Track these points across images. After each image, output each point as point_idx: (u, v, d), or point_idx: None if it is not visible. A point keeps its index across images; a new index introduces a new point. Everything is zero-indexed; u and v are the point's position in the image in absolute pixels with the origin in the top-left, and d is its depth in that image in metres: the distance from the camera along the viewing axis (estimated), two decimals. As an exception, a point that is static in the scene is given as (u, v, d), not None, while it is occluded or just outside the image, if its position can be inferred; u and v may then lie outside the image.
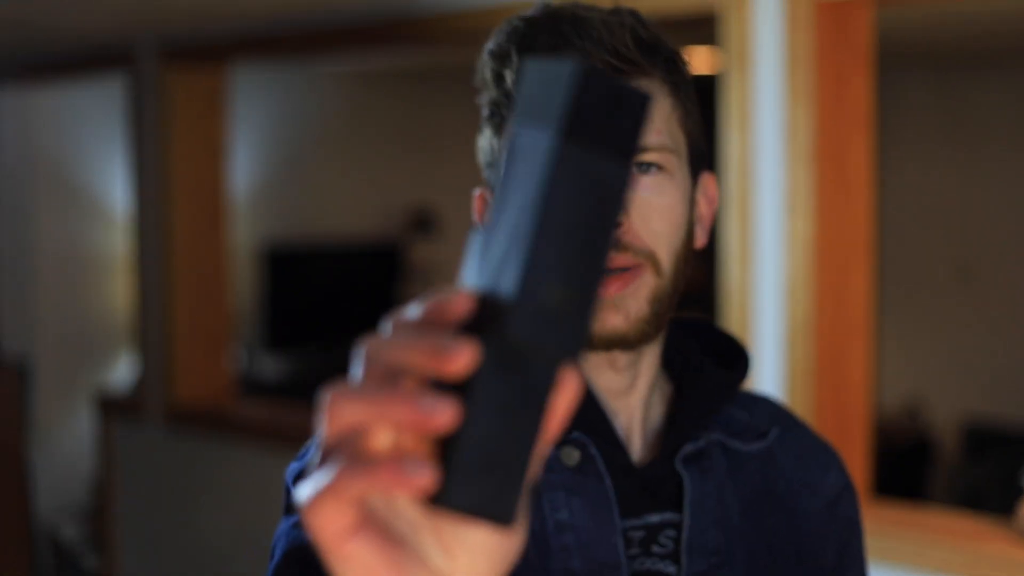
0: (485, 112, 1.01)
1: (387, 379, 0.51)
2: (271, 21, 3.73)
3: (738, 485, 1.01)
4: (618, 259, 0.94)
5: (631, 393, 1.01)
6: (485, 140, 1.02)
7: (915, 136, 6.11)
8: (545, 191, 0.50)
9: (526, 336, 0.50)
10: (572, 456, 0.96)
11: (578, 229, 0.51)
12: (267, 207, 6.11)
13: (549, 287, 0.50)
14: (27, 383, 4.74)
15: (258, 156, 6.04)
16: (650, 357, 1.02)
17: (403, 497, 0.53)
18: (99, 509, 4.61)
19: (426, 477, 0.49)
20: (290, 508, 0.93)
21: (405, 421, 0.49)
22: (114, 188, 5.43)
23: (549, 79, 0.52)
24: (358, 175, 6.50)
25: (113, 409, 4.39)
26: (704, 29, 2.83)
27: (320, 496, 0.50)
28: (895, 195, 5.83)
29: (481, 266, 0.53)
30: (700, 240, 1.02)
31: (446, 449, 0.50)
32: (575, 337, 0.51)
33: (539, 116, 0.52)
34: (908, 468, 5.64)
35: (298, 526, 0.88)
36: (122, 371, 5.49)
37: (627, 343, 0.97)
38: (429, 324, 0.52)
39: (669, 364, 1.05)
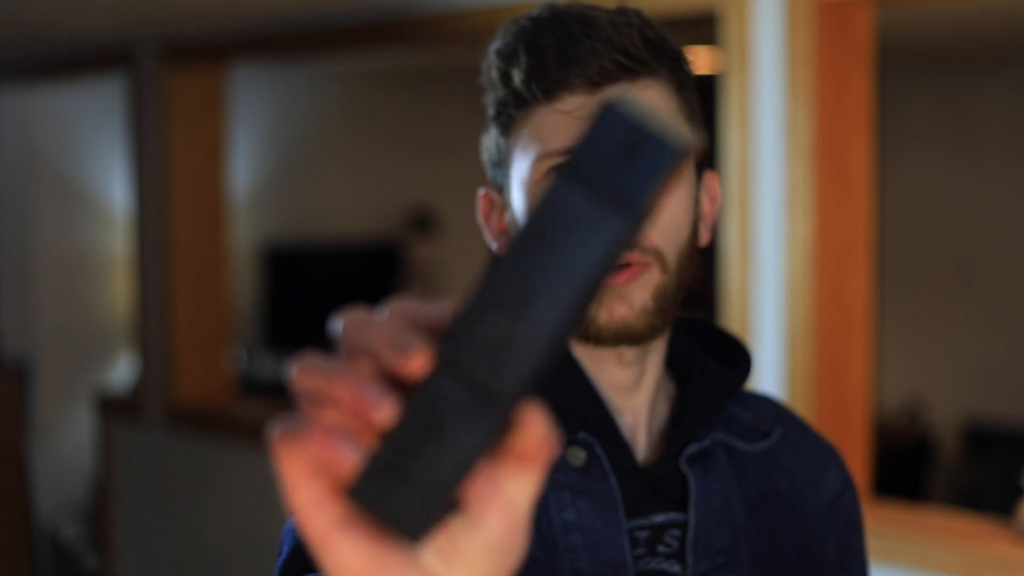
0: (491, 112, 1.01)
1: (350, 357, 0.52)
2: (271, 21, 3.73)
3: (742, 485, 1.02)
4: (625, 256, 0.94)
5: (637, 391, 1.01)
6: (491, 140, 1.02)
7: (916, 136, 6.11)
8: (528, 220, 0.48)
9: (462, 359, 0.48)
10: (578, 456, 0.97)
11: (548, 269, 0.48)
12: (267, 207, 6.11)
13: (495, 318, 0.48)
14: (27, 383, 4.74)
15: (259, 156, 6.03)
16: (655, 355, 1.02)
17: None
18: (99, 509, 4.61)
19: (348, 457, 0.49)
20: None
21: (346, 402, 0.50)
22: (114, 188, 5.43)
23: (611, 130, 0.49)
24: (359, 175, 6.50)
25: (113, 409, 4.38)
26: (704, 29, 2.83)
27: (276, 451, 0.51)
28: (896, 195, 5.83)
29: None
30: (704, 238, 1.03)
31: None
32: (515, 376, 0.48)
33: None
34: (908, 468, 5.64)
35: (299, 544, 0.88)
36: (122, 370, 5.49)
37: (634, 335, 0.97)
38: (412, 320, 0.52)
39: (672, 364, 1.06)
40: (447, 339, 0.48)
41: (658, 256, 0.96)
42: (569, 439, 0.97)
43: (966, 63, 5.79)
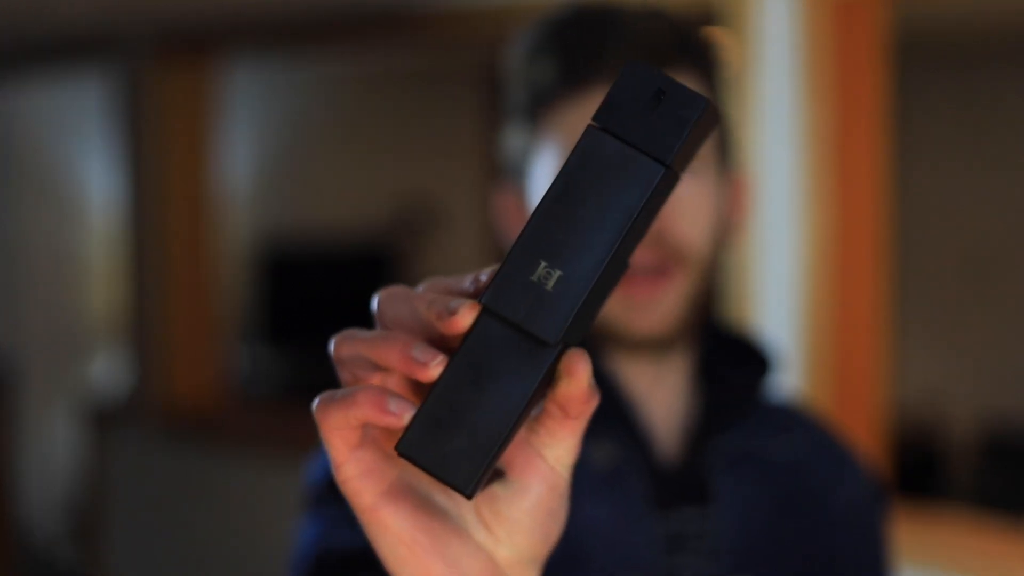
0: (515, 108, 1.01)
1: (390, 325, 0.54)
2: (262, 13, 3.67)
3: (766, 487, 1.01)
4: (652, 256, 0.95)
5: (661, 390, 1.01)
6: (515, 136, 1.02)
7: (936, 134, 6.08)
8: (562, 169, 0.49)
9: (499, 306, 0.49)
10: (602, 453, 0.96)
11: (588, 214, 0.49)
12: (267, 206, 6.10)
13: (540, 264, 0.49)
14: (12, 385, 4.69)
15: (259, 153, 6.02)
16: (680, 355, 1.02)
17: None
18: (89, 515, 4.53)
19: (399, 411, 0.49)
20: (313, 502, 0.92)
21: (393, 363, 0.50)
22: (92, 185, 5.34)
23: (639, 84, 0.51)
24: (358, 174, 6.49)
25: (104, 414, 4.31)
26: (716, 25, 2.81)
27: (319, 419, 0.51)
28: (915, 192, 5.80)
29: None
30: (729, 239, 1.03)
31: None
32: (555, 318, 0.49)
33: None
34: (925, 466, 5.61)
35: (325, 530, 0.87)
36: (106, 371, 5.41)
37: (658, 346, 0.98)
38: (447, 289, 0.53)
39: (698, 365, 1.06)
40: (492, 292, 0.49)
41: (684, 256, 0.96)
42: (593, 437, 0.94)
43: (986, 60, 5.77)
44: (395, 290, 0.55)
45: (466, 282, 0.52)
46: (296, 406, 4.88)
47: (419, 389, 0.53)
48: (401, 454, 0.50)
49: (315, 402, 0.52)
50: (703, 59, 1.00)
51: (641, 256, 0.94)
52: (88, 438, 4.42)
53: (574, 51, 0.96)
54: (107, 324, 5.44)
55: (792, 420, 1.08)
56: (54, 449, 5.35)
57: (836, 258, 2.51)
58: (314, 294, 6.14)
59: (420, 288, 0.54)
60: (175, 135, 4.01)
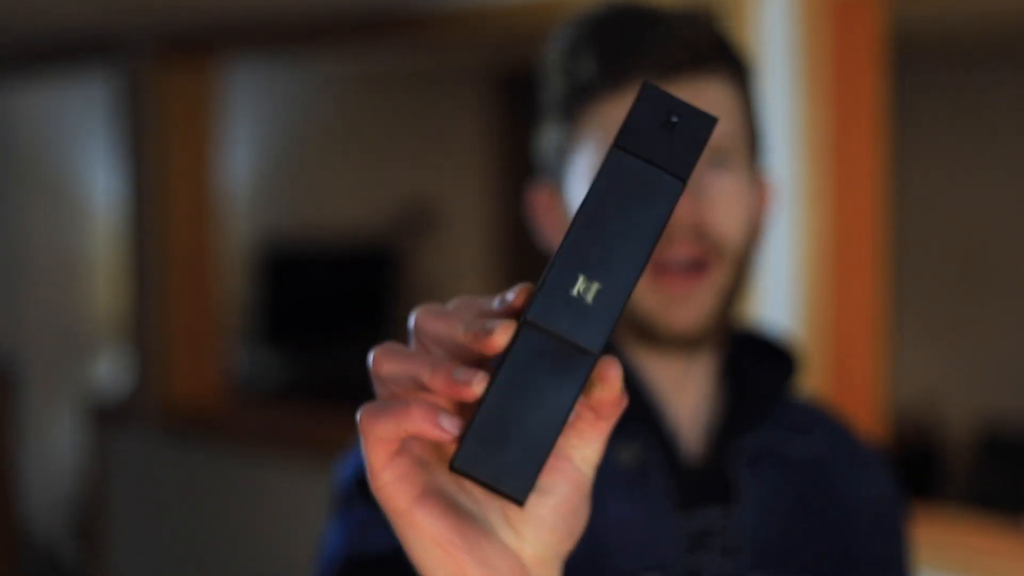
0: (551, 105, 1.02)
1: (429, 343, 0.55)
2: (264, 14, 3.66)
3: (789, 485, 1.01)
4: (691, 251, 0.96)
5: (686, 388, 1.02)
6: (552, 133, 1.02)
7: (934, 135, 6.08)
8: (590, 189, 0.54)
9: (544, 319, 0.52)
10: (626, 452, 0.97)
11: (618, 228, 0.53)
12: (268, 206, 6.09)
13: (579, 278, 0.53)
14: (15, 384, 4.69)
15: (257, 153, 6.02)
16: (707, 354, 1.03)
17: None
18: (91, 515, 4.53)
19: (450, 428, 0.52)
20: (342, 504, 0.93)
21: (436, 384, 0.52)
22: (96, 185, 5.34)
23: (654, 107, 0.55)
24: (358, 174, 6.47)
25: (106, 413, 4.30)
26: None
27: (366, 428, 0.53)
28: (914, 193, 5.80)
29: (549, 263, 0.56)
30: (759, 235, 1.04)
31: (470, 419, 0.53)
32: (597, 329, 0.53)
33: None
34: (923, 466, 5.62)
35: (354, 533, 0.88)
36: (108, 370, 5.42)
37: (692, 341, 0.99)
38: (480, 308, 0.55)
39: (724, 364, 1.06)
40: (537, 307, 0.53)
41: (721, 249, 0.97)
42: (618, 436, 0.96)
43: (984, 61, 5.77)
44: (432, 308, 0.56)
45: (495, 302, 0.55)
46: (296, 406, 4.88)
47: (461, 402, 0.55)
48: (456, 470, 0.53)
49: (360, 412, 0.54)
50: (739, 61, 1.01)
51: (680, 250, 0.96)
52: (90, 437, 4.42)
53: (614, 49, 0.96)
54: (109, 324, 5.44)
55: (814, 419, 1.09)
56: (56, 448, 5.35)
57: (834, 258, 2.52)
58: (314, 294, 6.14)
59: (451, 305, 0.57)
60: (176, 135, 4.01)
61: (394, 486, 0.54)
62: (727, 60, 0.99)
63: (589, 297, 0.53)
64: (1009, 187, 5.94)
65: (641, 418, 0.98)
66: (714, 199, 0.96)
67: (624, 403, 0.55)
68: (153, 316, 4.06)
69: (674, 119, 0.54)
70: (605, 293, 0.53)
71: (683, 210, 0.95)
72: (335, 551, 0.88)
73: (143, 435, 4.13)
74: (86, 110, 5.30)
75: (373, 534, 0.86)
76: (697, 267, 0.97)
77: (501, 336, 0.52)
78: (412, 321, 0.56)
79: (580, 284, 0.53)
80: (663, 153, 0.54)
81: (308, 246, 6.17)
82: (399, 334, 6.06)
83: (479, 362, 0.54)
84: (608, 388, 0.54)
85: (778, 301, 2.56)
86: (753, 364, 1.05)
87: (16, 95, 5.19)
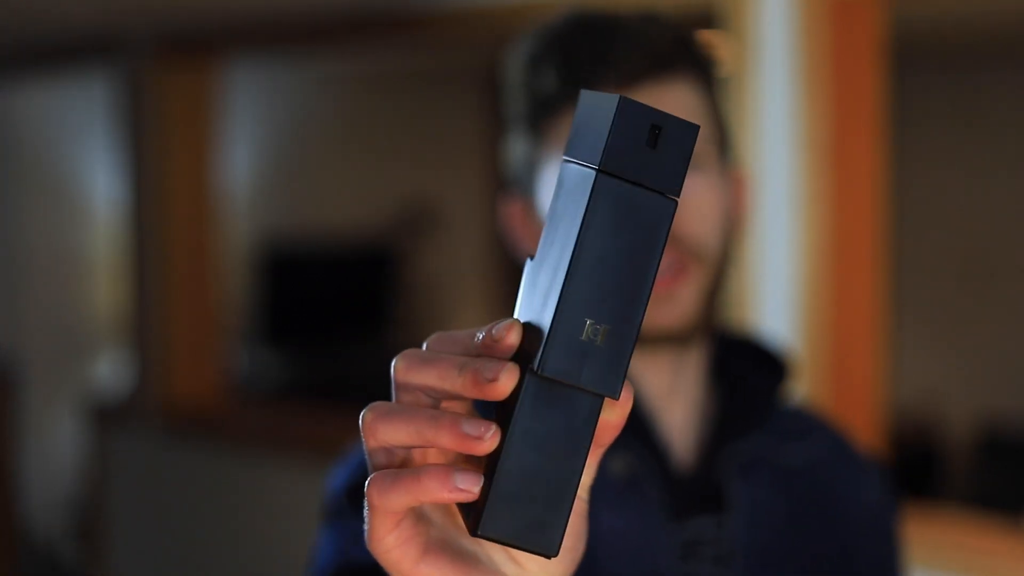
0: (517, 117, 1.01)
1: (426, 399, 0.53)
2: (264, 14, 3.66)
3: (781, 492, 1.01)
4: (668, 257, 0.96)
5: (675, 397, 1.01)
6: (518, 145, 1.01)
7: (935, 136, 6.08)
8: (583, 226, 0.51)
9: (559, 372, 0.50)
10: (618, 462, 0.96)
11: (618, 263, 0.51)
12: (265, 207, 6.08)
13: (587, 323, 0.50)
14: (15, 384, 4.69)
15: (257, 153, 6.01)
16: (695, 360, 1.02)
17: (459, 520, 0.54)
18: (90, 516, 4.53)
19: (469, 483, 0.50)
20: (333, 514, 0.93)
21: (448, 446, 0.51)
22: (96, 185, 5.32)
23: (598, 112, 0.52)
24: (358, 174, 6.47)
25: (106, 413, 4.30)
26: (713, 27, 2.81)
27: (376, 503, 0.52)
28: (915, 194, 5.80)
29: (529, 298, 0.54)
30: (737, 235, 1.04)
31: (486, 479, 0.51)
32: (613, 373, 0.51)
33: (586, 148, 0.52)
34: (922, 466, 5.62)
35: (345, 543, 0.88)
36: (108, 371, 5.41)
37: (676, 339, 0.98)
38: (476, 348, 0.53)
39: (712, 372, 1.06)
40: (546, 360, 0.50)
41: (699, 253, 0.97)
42: (611, 448, 0.96)
43: (983, 62, 5.77)
44: (413, 356, 0.53)
45: (479, 336, 0.52)
46: (296, 406, 4.88)
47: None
48: (483, 536, 0.51)
49: (370, 482, 0.52)
50: (701, 61, 1.00)
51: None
52: (90, 437, 4.42)
53: (576, 60, 0.95)
54: (109, 324, 5.43)
55: (809, 424, 1.08)
56: (56, 447, 5.35)
57: (834, 259, 2.52)
58: (314, 294, 6.13)
59: (430, 344, 0.54)
60: (176, 135, 4.01)
61: (399, 550, 0.53)
62: (689, 61, 0.98)
63: (599, 340, 0.50)
64: (1009, 187, 5.94)
65: (633, 428, 0.97)
66: (687, 205, 0.95)
67: (622, 427, 0.54)
68: (153, 316, 4.06)
69: (656, 133, 0.51)
70: (614, 334, 0.51)
71: None
72: (327, 561, 0.88)
73: (143, 435, 4.13)
74: (86, 110, 5.29)
75: (365, 544, 0.85)
76: (677, 270, 0.96)
77: (507, 382, 0.50)
78: (394, 373, 0.54)
79: (588, 329, 0.50)
80: (651, 172, 0.51)
81: (308, 246, 6.16)
82: (399, 334, 6.07)
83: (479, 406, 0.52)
84: (618, 410, 0.53)
85: (778, 301, 2.56)
86: (743, 370, 1.05)
87: (16, 95, 5.18)
